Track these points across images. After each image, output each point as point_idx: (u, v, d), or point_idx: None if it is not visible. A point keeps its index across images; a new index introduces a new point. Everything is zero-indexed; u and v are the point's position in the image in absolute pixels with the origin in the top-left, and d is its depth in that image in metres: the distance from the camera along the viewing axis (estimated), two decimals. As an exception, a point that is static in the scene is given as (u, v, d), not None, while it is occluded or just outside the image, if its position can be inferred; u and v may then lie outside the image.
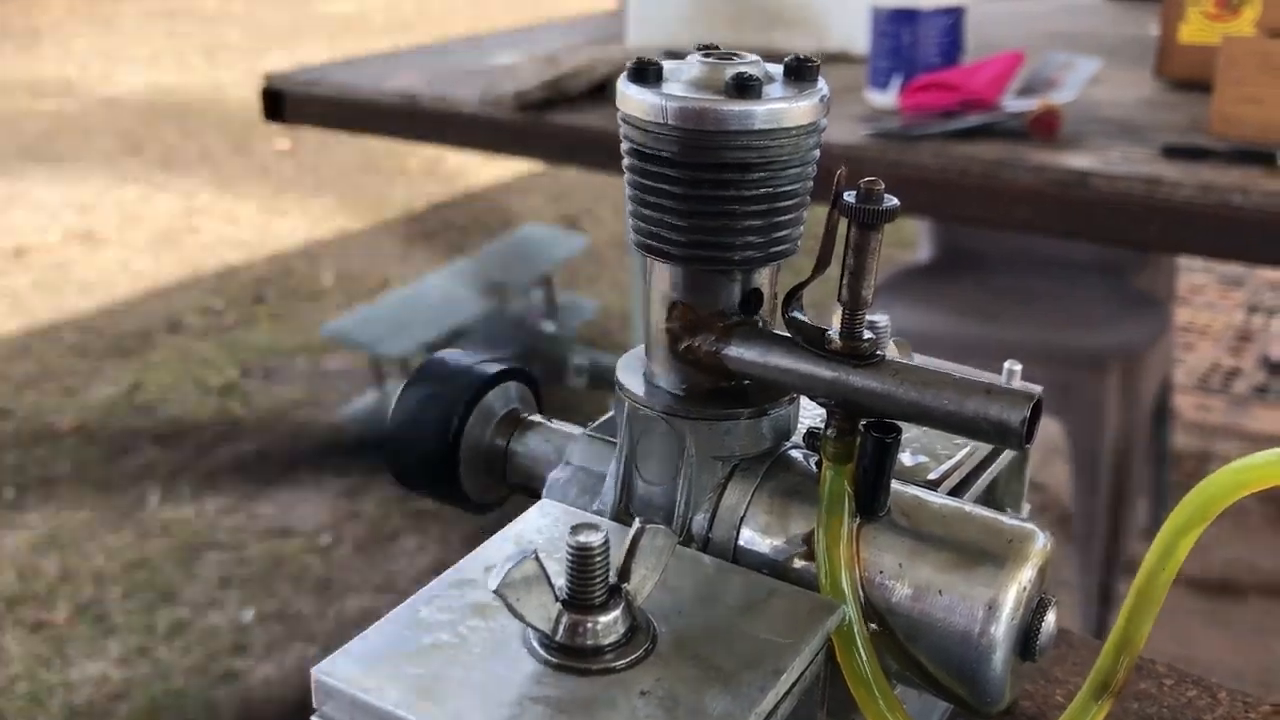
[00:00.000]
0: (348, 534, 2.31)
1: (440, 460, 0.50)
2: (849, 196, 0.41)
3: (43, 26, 7.45)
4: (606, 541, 0.38)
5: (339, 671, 0.38)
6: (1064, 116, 1.39)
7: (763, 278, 0.46)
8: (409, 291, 3.02)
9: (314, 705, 0.38)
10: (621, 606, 0.38)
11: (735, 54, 0.44)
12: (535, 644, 0.38)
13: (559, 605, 0.38)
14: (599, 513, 0.47)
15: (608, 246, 3.67)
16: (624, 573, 0.39)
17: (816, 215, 0.44)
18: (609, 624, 0.38)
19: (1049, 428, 2.02)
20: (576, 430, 0.51)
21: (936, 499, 0.45)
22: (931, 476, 0.48)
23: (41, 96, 5.79)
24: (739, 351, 0.45)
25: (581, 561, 0.38)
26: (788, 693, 0.38)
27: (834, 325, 0.43)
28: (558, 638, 0.38)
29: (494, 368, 0.51)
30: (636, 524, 0.39)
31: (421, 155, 4.73)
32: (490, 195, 4.49)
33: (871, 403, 0.42)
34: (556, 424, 0.52)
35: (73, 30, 7.32)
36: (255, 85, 1.81)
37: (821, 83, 0.44)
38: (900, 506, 0.44)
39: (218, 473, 2.54)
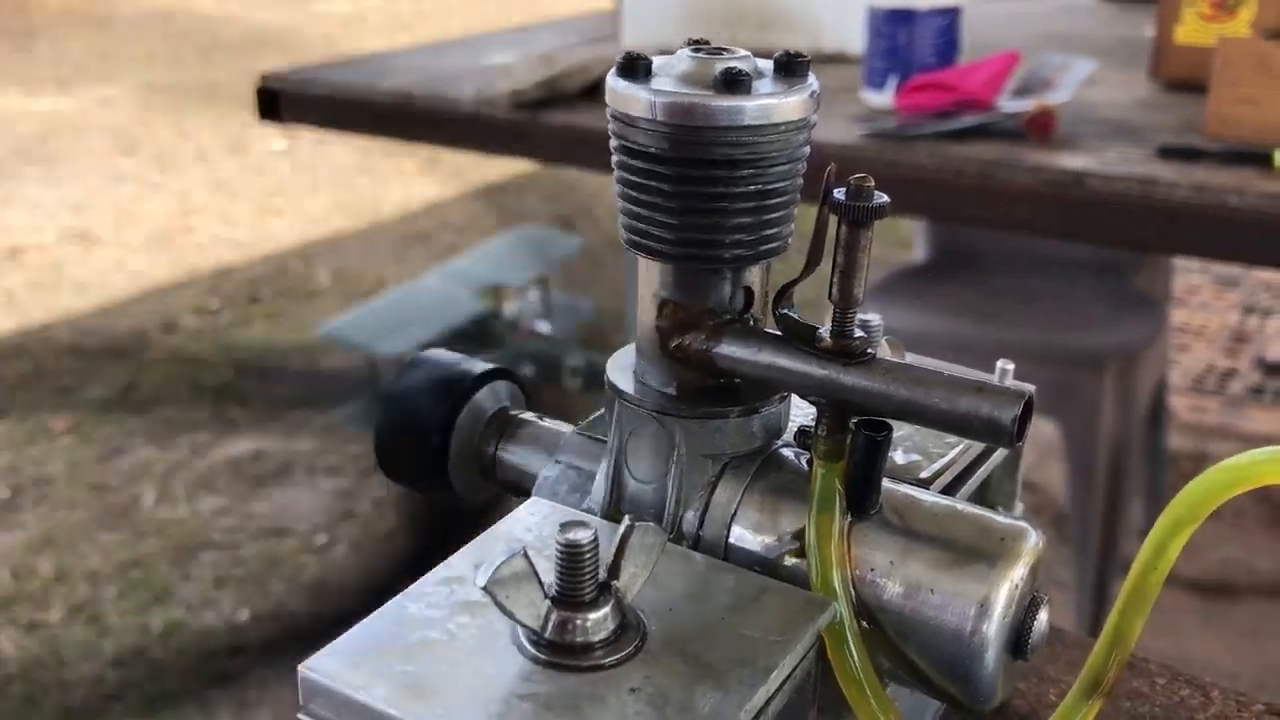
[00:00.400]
0: (343, 534, 2.31)
1: (430, 458, 0.49)
2: (839, 194, 0.41)
3: (38, 25, 7.44)
4: (596, 539, 0.38)
5: (326, 668, 0.37)
6: (1060, 117, 1.39)
7: (753, 275, 0.45)
8: (405, 292, 3.01)
9: (300, 702, 0.37)
10: (611, 604, 0.38)
11: (725, 49, 0.44)
12: (524, 641, 0.38)
13: (548, 602, 0.38)
14: (589, 511, 0.47)
15: (604, 247, 3.67)
16: (613, 570, 0.38)
17: (808, 213, 0.44)
18: (598, 621, 0.38)
19: (1044, 428, 2.02)
20: (567, 428, 0.51)
21: (928, 497, 0.45)
22: (923, 475, 0.48)
23: (36, 96, 5.78)
24: (729, 350, 0.44)
25: (571, 559, 0.37)
26: (778, 690, 0.38)
27: (825, 323, 0.43)
28: (547, 635, 0.38)
29: (484, 365, 0.51)
30: (626, 521, 0.39)
31: (417, 155, 4.72)
32: (485, 196, 4.49)
33: (863, 401, 0.42)
34: (547, 422, 0.52)
35: (68, 29, 7.31)
36: (251, 85, 1.81)
37: (812, 78, 0.43)
38: (892, 504, 0.43)
39: (213, 472, 2.53)
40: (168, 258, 3.82)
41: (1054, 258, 2.04)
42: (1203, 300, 3.33)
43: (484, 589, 0.36)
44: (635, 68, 0.43)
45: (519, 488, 0.51)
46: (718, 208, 0.43)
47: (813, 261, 0.43)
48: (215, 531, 2.32)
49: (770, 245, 0.44)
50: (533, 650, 0.38)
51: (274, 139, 4.91)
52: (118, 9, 7.84)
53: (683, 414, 0.45)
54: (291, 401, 2.86)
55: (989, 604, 0.40)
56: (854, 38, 1.71)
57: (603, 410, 0.49)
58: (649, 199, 0.43)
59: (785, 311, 0.44)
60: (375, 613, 0.40)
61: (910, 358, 0.53)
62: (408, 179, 4.61)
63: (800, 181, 0.44)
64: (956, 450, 0.49)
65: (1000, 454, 0.53)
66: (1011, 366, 0.49)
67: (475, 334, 2.66)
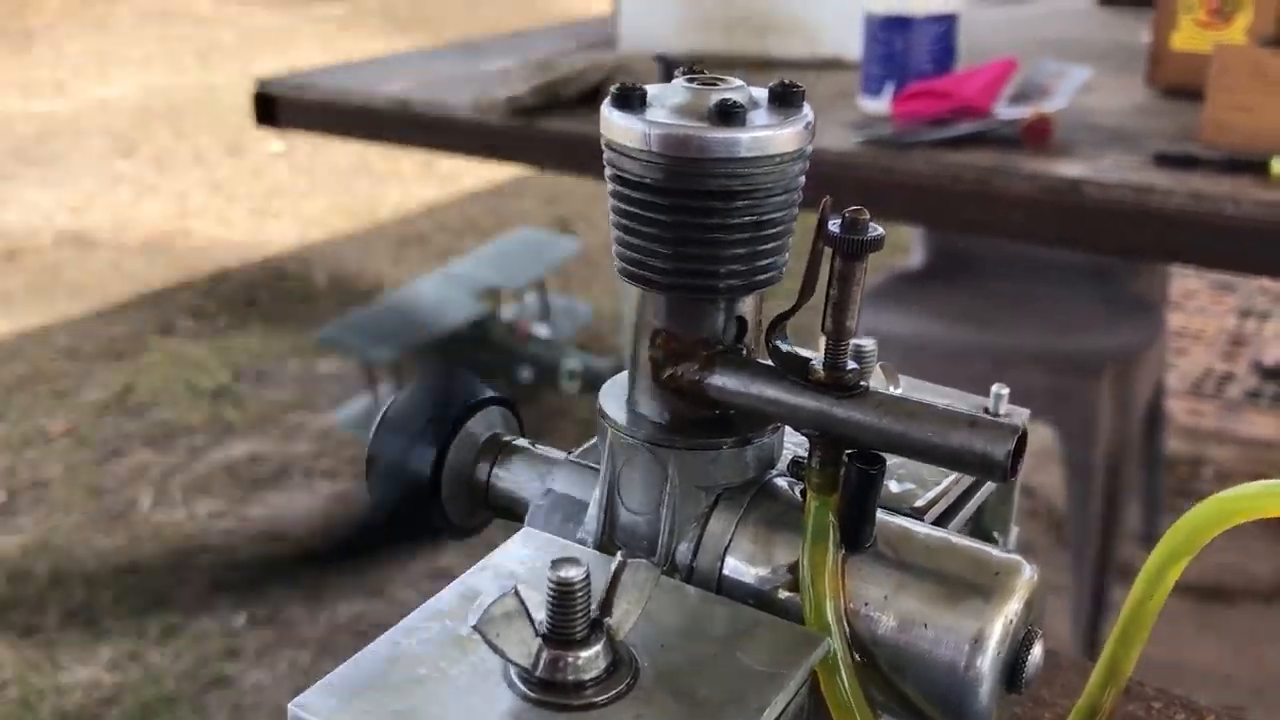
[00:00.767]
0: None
1: (421, 496, 0.49)
2: (833, 226, 0.40)
3: (36, 27, 7.43)
4: (588, 576, 0.37)
5: (316, 706, 0.37)
6: (1056, 124, 1.39)
7: (747, 306, 0.45)
8: (402, 295, 3.01)
9: (290, 742, 0.37)
10: (603, 641, 0.38)
11: (720, 79, 0.44)
12: (516, 679, 0.38)
13: (539, 640, 0.37)
14: (582, 541, 0.47)
15: (601, 250, 3.66)
16: (606, 606, 0.38)
17: (804, 234, 0.44)
18: (590, 659, 0.37)
19: (1042, 432, 2.02)
20: (560, 455, 0.51)
21: (923, 529, 0.44)
22: (918, 503, 0.48)
23: (34, 98, 5.78)
24: (722, 381, 0.44)
25: (562, 597, 0.37)
26: (771, 728, 0.37)
27: (819, 353, 0.43)
28: (538, 673, 0.37)
29: (475, 395, 0.51)
30: (619, 557, 0.39)
31: (415, 158, 4.72)
32: (484, 198, 4.48)
33: (855, 434, 0.42)
34: (540, 449, 0.51)
35: (66, 31, 7.30)
36: (249, 87, 1.80)
37: (807, 109, 0.43)
38: (886, 537, 0.43)
39: (210, 476, 2.53)
40: (165, 260, 3.82)
41: (1051, 262, 2.04)
42: (1200, 304, 3.33)
43: (474, 628, 0.36)
44: (630, 98, 0.42)
45: (512, 514, 0.51)
46: (712, 239, 0.43)
47: (806, 292, 0.43)
48: (212, 535, 2.32)
49: (764, 275, 0.44)
50: (524, 688, 0.37)
51: (272, 141, 4.90)
52: (116, 10, 7.83)
53: (676, 445, 0.45)
54: (288, 405, 2.86)
55: (983, 639, 0.40)
56: (852, 43, 1.71)
57: (596, 439, 0.48)
58: (643, 229, 0.43)
59: (778, 343, 0.43)
60: (366, 648, 0.39)
61: (905, 381, 0.53)
62: (405, 181, 4.61)
63: (795, 212, 0.44)
64: (951, 478, 0.49)
65: (995, 481, 0.52)
66: (1006, 391, 0.49)
67: (473, 337, 2.65)
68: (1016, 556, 0.43)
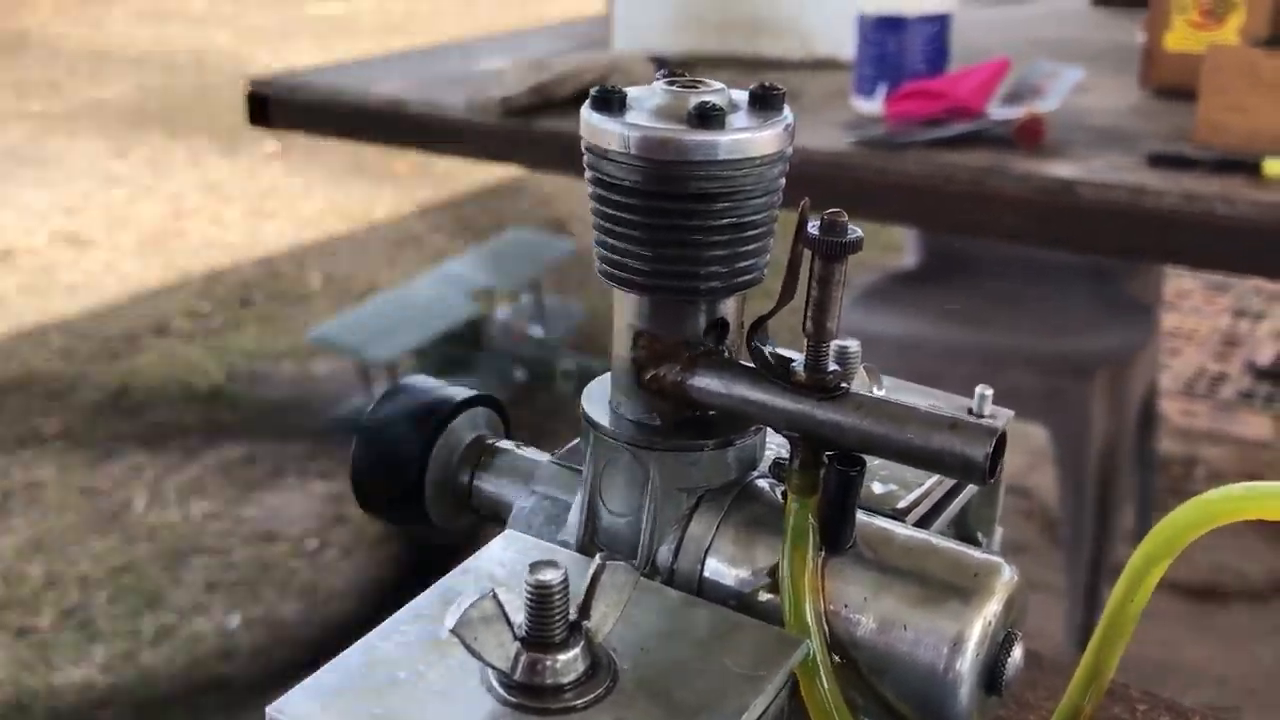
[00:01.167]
0: (334, 539, 2.31)
1: (405, 495, 0.49)
2: (812, 228, 0.40)
3: (30, 27, 7.42)
4: (566, 580, 0.37)
5: (294, 709, 0.37)
6: (1049, 124, 1.39)
7: (728, 307, 0.45)
8: (397, 295, 3.01)
9: (268, 745, 0.37)
10: (581, 644, 0.38)
11: (700, 81, 0.44)
12: (494, 682, 0.38)
13: (517, 643, 0.37)
14: (564, 543, 0.47)
15: (597, 250, 3.65)
16: (584, 609, 0.38)
17: (786, 225, 0.44)
18: (568, 662, 0.37)
19: (1035, 432, 2.02)
20: (543, 457, 0.51)
21: (903, 531, 0.44)
22: (901, 505, 0.48)
23: (28, 98, 5.77)
24: (704, 382, 0.44)
25: (540, 600, 0.37)
26: (749, 730, 0.37)
27: (800, 355, 0.43)
28: (516, 676, 0.37)
29: (460, 395, 0.51)
30: (598, 560, 0.39)
31: (409, 158, 4.71)
32: (478, 199, 4.48)
33: (835, 436, 0.42)
34: (523, 450, 0.51)
35: (60, 31, 7.30)
36: (243, 88, 1.80)
37: (787, 111, 0.43)
38: (866, 539, 0.43)
39: (204, 477, 2.53)
40: (159, 261, 3.81)
41: (1045, 263, 2.04)
42: (1194, 304, 3.34)
43: (452, 631, 0.36)
44: (609, 101, 0.42)
45: (496, 517, 0.51)
46: (692, 240, 0.43)
47: (786, 294, 0.43)
48: (206, 536, 2.32)
49: (745, 277, 0.44)
50: (502, 692, 0.37)
51: (266, 141, 4.89)
52: (110, 10, 7.82)
53: (657, 446, 0.45)
54: (283, 406, 2.85)
55: (962, 640, 0.40)
56: (845, 43, 1.71)
57: (579, 440, 0.48)
58: (623, 231, 0.43)
59: (759, 344, 0.43)
60: (346, 651, 0.39)
61: (889, 382, 0.53)
62: (400, 182, 4.61)
63: (776, 213, 0.44)
64: (933, 479, 0.49)
65: (978, 482, 0.52)
66: (990, 392, 0.49)
67: (467, 337, 2.65)
68: (996, 558, 0.43)
